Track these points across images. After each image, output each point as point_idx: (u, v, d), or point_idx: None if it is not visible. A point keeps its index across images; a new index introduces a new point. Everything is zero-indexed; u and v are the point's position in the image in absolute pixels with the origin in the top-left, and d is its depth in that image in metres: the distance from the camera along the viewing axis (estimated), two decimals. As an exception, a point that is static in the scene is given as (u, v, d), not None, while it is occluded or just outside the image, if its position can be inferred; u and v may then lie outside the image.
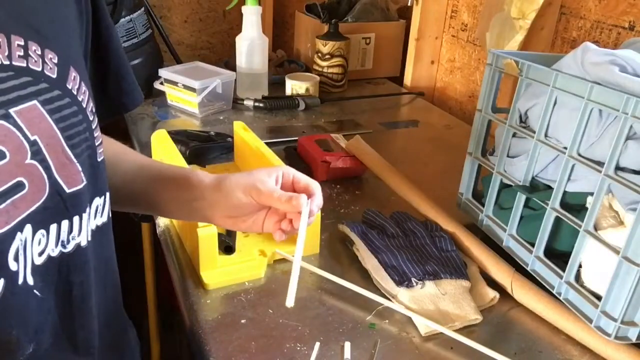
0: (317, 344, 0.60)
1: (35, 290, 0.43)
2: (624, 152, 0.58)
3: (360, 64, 1.57)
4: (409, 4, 1.51)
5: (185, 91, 1.22)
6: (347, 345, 0.60)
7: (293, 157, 1.03)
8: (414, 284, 0.67)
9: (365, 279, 0.71)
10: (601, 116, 0.62)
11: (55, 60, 0.42)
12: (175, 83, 1.23)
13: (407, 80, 1.53)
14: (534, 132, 0.69)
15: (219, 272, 0.69)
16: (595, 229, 0.61)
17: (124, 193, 0.63)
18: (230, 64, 1.40)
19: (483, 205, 0.80)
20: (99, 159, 0.49)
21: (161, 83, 1.27)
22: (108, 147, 0.60)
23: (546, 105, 0.67)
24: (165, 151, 0.83)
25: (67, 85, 0.44)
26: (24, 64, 0.40)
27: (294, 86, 1.36)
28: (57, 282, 0.45)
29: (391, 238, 0.76)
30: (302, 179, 0.62)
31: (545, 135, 0.68)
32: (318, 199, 0.61)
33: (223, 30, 1.79)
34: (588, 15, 1.01)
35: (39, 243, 0.43)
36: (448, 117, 1.37)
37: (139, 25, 1.35)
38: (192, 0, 1.72)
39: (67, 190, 0.44)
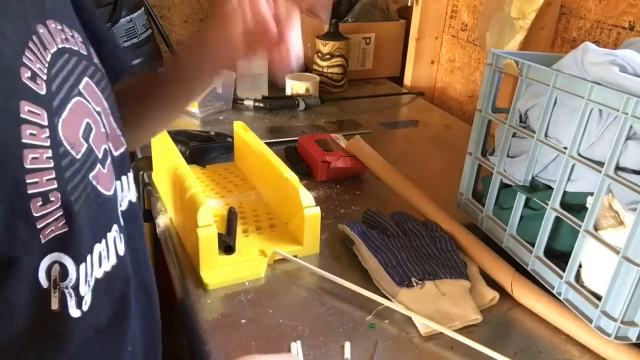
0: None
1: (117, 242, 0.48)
2: (624, 152, 0.58)
3: (360, 64, 1.57)
4: (409, 4, 1.51)
5: (185, 91, 1.22)
6: (347, 345, 0.60)
7: (293, 157, 1.03)
8: (414, 284, 0.67)
9: (365, 279, 0.71)
10: (601, 116, 0.62)
11: (80, 39, 0.46)
12: (175, 83, 1.23)
13: (407, 80, 1.53)
14: (534, 132, 0.69)
15: (219, 272, 0.69)
16: (595, 229, 0.61)
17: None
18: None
19: (483, 205, 0.80)
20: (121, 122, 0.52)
21: (161, 83, 1.27)
22: None
23: (546, 105, 0.67)
24: (165, 151, 0.83)
25: (95, 61, 0.47)
26: (69, 46, 0.43)
27: (294, 86, 1.36)
28: (124, 234, 0.49)
29: (391, 238, 0.76)
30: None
31: (545, 135, 0.68)
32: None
33: (223, 30, 1.79)
34: (588, 15, 1.01)
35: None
36: (448, 117, 1.37)
37: (139, 25, 1.35)
38: (192, 0, 1.72)
39: (115, 154, 0.48)
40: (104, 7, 1.27)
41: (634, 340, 0.59)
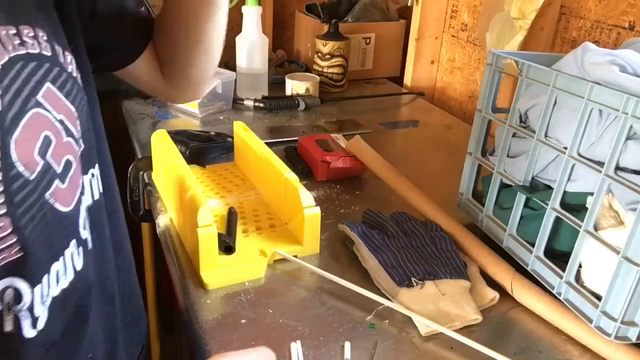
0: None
1: (88, 241, 0.48)
2: (624, 152, 0.58)
3: (360, 64, 1.57)
4: (409, 4, 1.51)
5: (185, 91, 1.22)
6: (347, 345, 0.60)
7: (293, 157, 1.03)
8: (414, 284, 0.67)
9: (365, 279, 0.71)
10: (601, 116, 0.62)
11: (45, 37, 0.43)
12: (175, 83, 1.23)
13: (407, 80, 1.53)
14: (534, 132, 0.69)
15: (219, 272, 0.69)
16: (595, 229, 0.61)
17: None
18: (230, 64, 1.40)
19: (483, 205, 0.80)
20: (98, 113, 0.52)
21: (161, 83, 1.27)
22: None
23: (546, 105, 0.67)
24: (165, 151, 0.83)
25: (60, 60, 0.45)
26: (24, 51, 0.40)
27: (294, 86, 1.36)
28: (98, 227, 0.50)
29: (391, 238, 0.76)
30: None
31: (545, 135, 0.68)
32: None
33: (223, 30, 1.79)
34: (588, 15, 1.01)
35: (82, 217, 0.48)
36: (448, 117, 1.37)
37: (139, 25, 1.35)
38: (192, 0, 1.72)
39: (84, 147, 0.48)
40: (104, 7, 1.27)
41: (634, 340, 0.59)
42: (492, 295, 0.68)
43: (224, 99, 1.28)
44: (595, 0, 0.99)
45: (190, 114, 1.24)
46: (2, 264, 0.37)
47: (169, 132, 0.89)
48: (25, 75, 0.39)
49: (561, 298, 0.65)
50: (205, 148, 1.01)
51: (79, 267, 0.46)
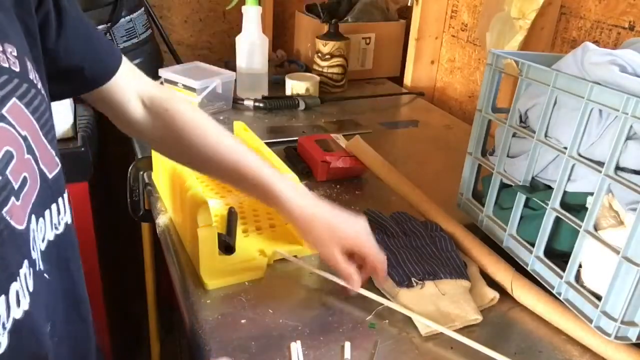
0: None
1: (45, 274, 0.46)
2: (624, 152, 0.58)
3: (360, 64, 1.57)
4: (409, 4, 1.51)
5: (185, 91, 1.22)
6: (347, 345, 0.60)
7: (293, 157, 1.03)
8: (414, 284, 0.67)
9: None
10: (601, 116, 0.62)
11: (15, 53, 0.43)
12: (175, 83, 1.23)
13: (407, 80, 1.53)
14: (534, 132, 0.69)
15: (219, 272, 0.69)
16: (595, 229, 0.61)
17: (189, 165, 0.69)
18: (230, 64, 1.40)
19: (483, 205, 0.80)
20: (56, 141, 0.50)
21: (161, 83, 1.27)
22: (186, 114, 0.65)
23: (546, 105, 0.67)
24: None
25: (30, 77, 0.45)
26: None
27: (294, 86, 1.36)
28: (57, 262, 0.48)
29: (391, 238, 0.76)
30: (370, 256, 0.65)
31: (545, 135, 0.68)
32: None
33: (223, 30, 1.79)
34: (588, 15, 1.01)
35: (41, 230, 0.45)
36: (448, 117, 1.37)
37: (139, 25, 1.35)
38: (192, 0, 1.72)
39: (50, 176, 0.47)
40: (104, 7, 1.27)
41: (634, 340, 0.59)
42: (492, 295, 0.68)
43: (224, 99, 1.28)
44: (595, 0, 0.99)
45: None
46: None
47: (169, 132, 0.89)
48: None
49: (561, 298, 0.65)
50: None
51: (31, 288, 0.44)
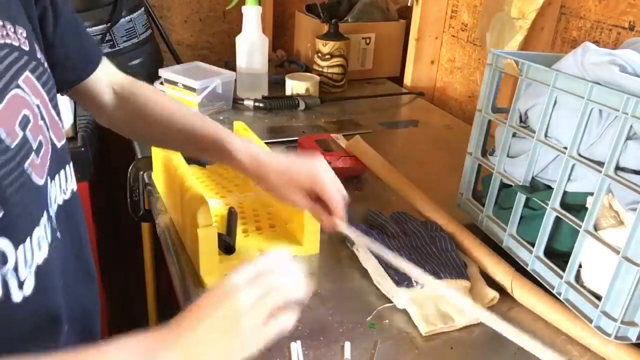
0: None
1: (58, 233, 0.50)
2: (624, 152, 0.58)
3: (360, 64, 1.57)
4: (409, 4, 1.51)
5: (185, 91, 1.22)
6: (347, 345, 0.60)
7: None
8: (414, 284, 0.67)
9: (365, 279, 0.71)
10: (601, 116, 0.62)
11: (25, 35, 0.48)
12: (175, 83, 1.23)
13: (407, 80, 1.53)
14: (534, 132, 0.69)
15: (219, 272, 0.69)
16: (595, 229, 0.61)
17: (152, 138, 0.74)
18: (230, 64, 1.40)
19: (483, 205, 0.80)
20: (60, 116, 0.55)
21: (161, 83, 1.27)
22: (141, 91, 0.70)
23: (546, 105, 0.67)
24: (165, 151, 0.83)
25: (38, 56, 0.50)
26: (9, 41, 0.46)
27: (294, 86, 1.36)
28: (66, 225, 0.52)
29: (391, 238, 0.76)
30: (326, 194, 0.64)
31: (545, 135, 0.68)
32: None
33: (223, 30, 1.79)
34: (588, 15, 1.01)
35: (54, 192, 0.50)
36: (448, 117, 1.37)
37: (139, 25, 1.35)
38: (192, 0, 1.72)
39: (58, 145, 0.51)
40: (104, 7, 1.27)
41: (634, 340, 0.59)
42: (492, 295, 0.68)
43: (223, 99, 1.28)
44: (595, 0, 0.99)
45: (190, 114, 1.24)
46: None
47: (169, 132, 0.89)
48: (9, 61, 0.44)
49: (561, 298, 0.65)
50: (205, 148, 1.01)
51: (49, 239, 0.48)
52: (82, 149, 1.10)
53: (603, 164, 0.59)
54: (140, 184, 0.98)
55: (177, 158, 0.80)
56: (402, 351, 0.60)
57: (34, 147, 0.46)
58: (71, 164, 0.55)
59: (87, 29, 1.22)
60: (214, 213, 0.80)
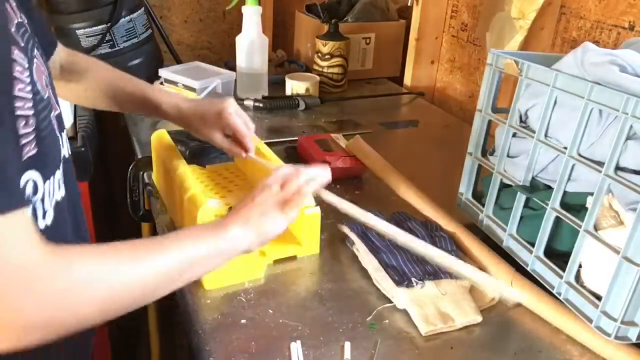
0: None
1: (63, 185, 0.59)
2: (624, 152, 0.58)
3: (360, 64, 1.57)
4: (409, 4, 1.51)
5: (185, 91, 1.22)
6: (347, 345, 0.60)
7: (293, 157, 1.03)
8: (414, 284, 0.67)
9: (365, 279, 0.71)
10: (601, 116, 0.62)
11: (23, 16, 0.54)
12: (175, 83, 1.23)
13: (407, 80, 1.53)
14: (534, 132, 0.69)
15: (218, 272, 0.69)
16: (595, 229, 0.61)
17: (94, 101, 0.83)
18: (230, 64, 1.40)
19: (483, 205, 0.80)
20: None
21: (161, 83, 1.27)
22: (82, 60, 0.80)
23: (546, 105, 0.67)
24: (165, 151, 0.83)
25: (36, 39, 0.56)
26: (20, 21, 0.52)
27: (294, 86, 1.36)
28: (66, 181, 0.59)
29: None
30: (234, 128, 0.75)
31: (545, 135, 0.68)
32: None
33: (223, 30, 1.79)
34: (588, 15, 1.01)
35: (64, 147, 0.60)
36: (448, 117, 1.37)
37: (139, 25, 1.35)
38: (192, 0, 1.72)
39: (56, 112, 0.58)
40: (104, 7, 1.27)
41: (634, 340, 0.59)
42: (492, 295, 0.68)
43: (224, 99, 1.28)
44: (595, 0, 0.99)
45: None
46: (25, 157, 0.48)
47: (169, 132, 0.89)
48: (27, 36, 0.52)
49: (561, 298, 0.65)
50: (205, 148, 1.01)
51: (62, 181, 0.58)
52: (82, 149, 1.10)
53: (603, 164, 0.59)
54: (140, 184, 0.98)
55: (177, 158, 0.80)
56: (402, 351, 0.60)
57: (52, 104, 0.55)
58: (65, 131, 0.63)
59: (87, 29, 1.25)
60: (214, 213, 0.80)
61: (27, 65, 0.48)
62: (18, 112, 0.46)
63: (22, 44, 0.49)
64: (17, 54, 0.46)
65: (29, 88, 0.48)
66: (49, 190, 0.53)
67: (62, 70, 0.77)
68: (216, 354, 0.58)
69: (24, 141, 0.47)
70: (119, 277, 0.47)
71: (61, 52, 0.77)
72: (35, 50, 0.53)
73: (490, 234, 0.78)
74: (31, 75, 0.49)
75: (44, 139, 0.50)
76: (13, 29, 0.48)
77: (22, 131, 0.46)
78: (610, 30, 0.97)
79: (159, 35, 1.49)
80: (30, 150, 0.48)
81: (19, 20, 0.51)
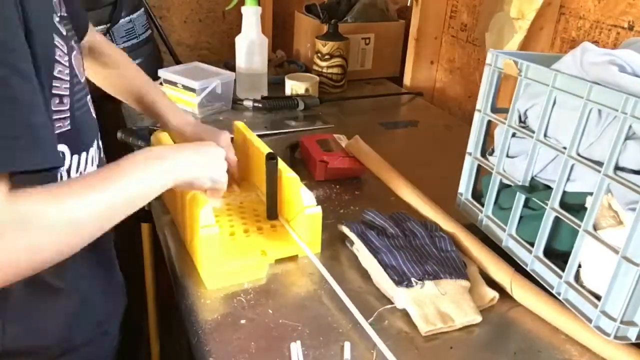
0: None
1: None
2: (623, 152, 0.58)
3: (359, 64, 1.57)
4: (408, 4, 1.51)
5: (184, 92, 1.22)
6: (347, 345, 0.60)
7: (293, 156, 1.03)
8: (414, 284, 0.67)
9: (365, 279, 0.71)
10: (600, 116, 0.62)
11: (66, 14, 0.61)
12: (174, 83, 1.23)
13: (407, 80, 1.53)
14: (534, 132, 0.69)
15: (219, 273, 0.69)
16: (595, 228, 0.61)
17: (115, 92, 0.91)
18: (230, 65, 1.40)
19: (483, 205, 0.80)
20: None
21: (161, 84, 1.27)
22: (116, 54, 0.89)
23: (545, 105, 0.67)
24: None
25: (74, 31, 0.64)
26: (63, 14, 0.59)
27: (294, 86, 1.36)
28: (102, 163, 0.68)
29: (391, 238, 0.76)
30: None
31: (545, 135, 0.68)
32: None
33: (223, 30, 1.80)
34: (587, 15, 1.01)
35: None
36: (448, 117, 1.37)
37: (139, 25, 1.35)
38: (191, 0, 1.72)
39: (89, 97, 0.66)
40: (104, 7, 1.27)
41: (633, 340, 0.59)
42: (492, 295, 0.68)
43: (223, 100, 1.28)
44: (595, 0, 0.99)
45: (189, 114, 1.24)
46: (58, 131, 0.55)
47: (169, 133, 0.89)
48: (69, 27, 0.59)
49: (561, 298, 0.65)
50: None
51: (97, 163, 0.65)
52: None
53: (602, 163, 0.59)
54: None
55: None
56: (402, 351, 0.61)
57: (87, 89, 0.64)
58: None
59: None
60: (215, 213, 0.80)
61: (66, 51, 0.55)
62: (55, 91, 0.53)
63: (64, 33, 0.56)
64: (57, 40, 0.53)
65: (67, 71, 0.55)
66: (79, 164, 0.60)
67: (90, 51, 0.85)
68: (216, 354, 0.58)
69: (57, 116, 0.54)
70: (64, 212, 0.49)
71: (91, 36, 0.83)
72: (74, 41, 0.61)
73: (490, 234, 0.78)
74: (70, 60, 0.56)
75: (76, 118, 0.58)
76: (57, 19, 0.55)
77: (56, 108, 0.54)
78: (610, 30, 0.97)
79: (159, 36, 1.50)
80: (63, 127, 0.56)
81: (62, 14, 0.59)
